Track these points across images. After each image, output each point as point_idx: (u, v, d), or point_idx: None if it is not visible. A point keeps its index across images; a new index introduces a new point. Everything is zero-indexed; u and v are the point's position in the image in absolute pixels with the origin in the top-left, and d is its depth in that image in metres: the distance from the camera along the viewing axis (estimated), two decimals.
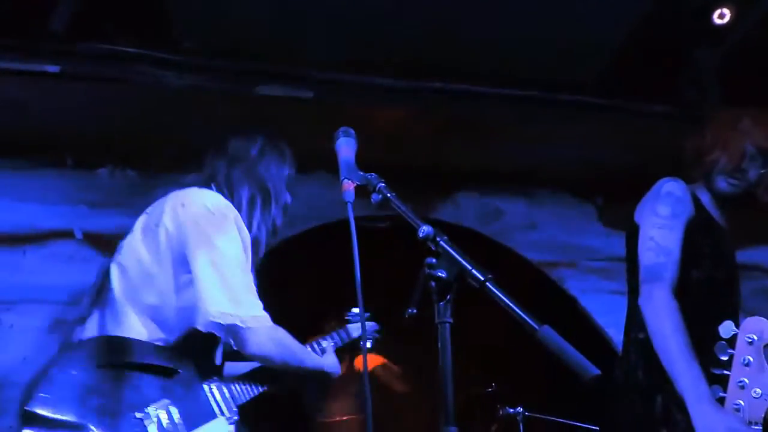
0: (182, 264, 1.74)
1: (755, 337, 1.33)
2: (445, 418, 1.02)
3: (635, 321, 1.81)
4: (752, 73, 3.18)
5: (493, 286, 1.07)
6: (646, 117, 3.46)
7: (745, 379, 1.32)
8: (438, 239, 1.16)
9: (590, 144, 3.50)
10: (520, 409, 3.46)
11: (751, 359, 1.32)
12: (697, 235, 1.79)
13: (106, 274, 1.83)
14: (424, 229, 1.17)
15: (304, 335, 4.05)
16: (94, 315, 1.79)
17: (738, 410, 1.33)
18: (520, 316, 1.01)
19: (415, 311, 1.14)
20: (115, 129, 3.21)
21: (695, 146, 1.92)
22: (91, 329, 1.76)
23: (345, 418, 3.94)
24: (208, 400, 1.71)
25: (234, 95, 3.03)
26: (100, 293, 1.81)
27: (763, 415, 1.33)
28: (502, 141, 3.50)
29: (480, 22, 2.80)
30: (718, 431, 1.42)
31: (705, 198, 1.90)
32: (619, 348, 3.51)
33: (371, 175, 1.32)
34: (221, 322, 1.65)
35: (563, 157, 3.60)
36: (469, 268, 1.10)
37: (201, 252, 1.70)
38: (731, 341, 1.36)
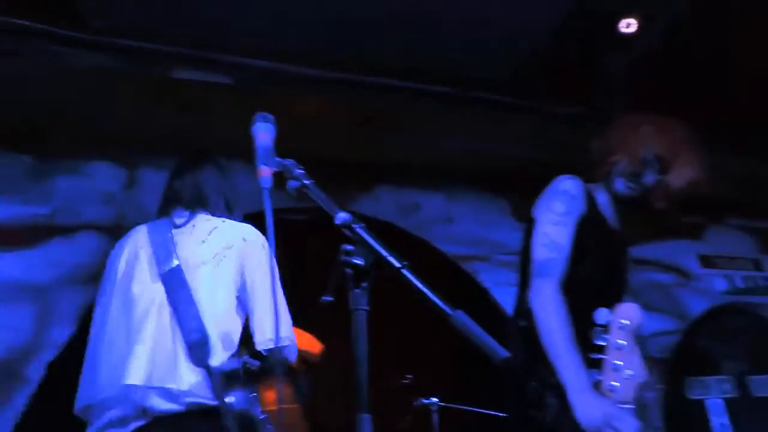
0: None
1: (627, 323, 1.44)
2: (359, 405, 1.02)
3: (519, 309, 1.88)
4: (657, 81, 3.40)
5: (408, 272, 1.08)
6: (557, 118, 3.63)
7: (619, 362, 1.42)
8: (354, 226, 1.16)
9: (504, 141, 3.63)
10: (435, 400, 3.52)
11: (624, 343, 1.42)
12: (586, 232, 1.84)
13: None
14: (341, 216, 1.16)
15: None
16: None
17: (612, 391, 1.43)
18: (434, 301, 1.03)
19: (330, 298, 1.13)
20: (8, 109, 2.98)
21: (599, 148, 1.97)
22: None
23: (285, 406, 3.84)
24: None
25: (145, 78, 2.89)
26: None
27: (632, 394, 1.43)
28: (421, 135, 3.56)
29: (400, 18, 2.82)
30: (596, 417, 1.49)
31: (601, 198, 1.95)
32: None
33: (289, 162, 1.29)
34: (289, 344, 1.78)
35: (479, 153, 3.71)
36: (385, 254, 1.11)
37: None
38: (606, 327, 1.46)
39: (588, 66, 3.43)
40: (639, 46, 3.29)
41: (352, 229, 1.17)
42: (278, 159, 1.30)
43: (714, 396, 4.14)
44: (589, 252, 1.83)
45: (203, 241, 1.78)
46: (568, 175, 1.92)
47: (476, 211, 3.74)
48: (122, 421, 1.58)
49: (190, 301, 1.67)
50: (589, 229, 1.85)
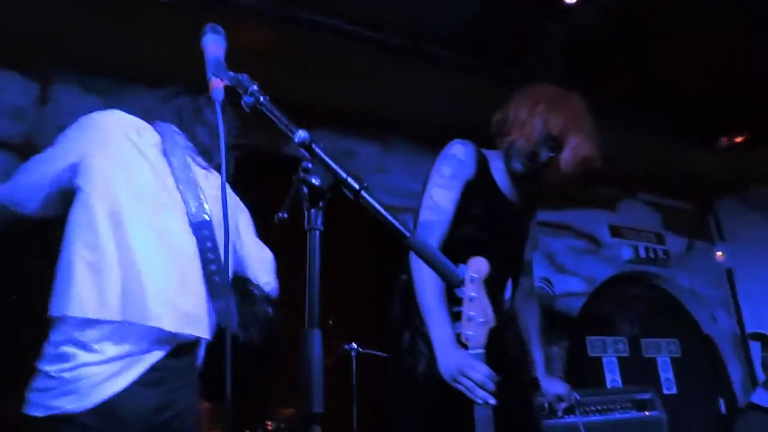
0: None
1: (476, 275, 1.50)
2: (310, 321, 1.01)
3: (404, 264, 1.90)
4: (591, 53, 3.50)
5: (367, 194, 1.07)
6: (496, 79, 3.67)
7: (472, 312, 1.50)
8: (313, 146, 1.12)
9: (444, 97, 3.65)
10: (354, 345, 3.58)
11: (475, 294, 1.50)
12: (472, 196, 1.86)
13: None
14: (300, 135, 1.12)
15: None
16: None
17: (468, 340, 1.50)
18: (392, 223, 1.02)
19: (285, 215, 1.09)
20: None
21: (497, 122, 1.95)
22: None
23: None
24: None
25: None
26: None
27: (485, 339, 1.51)
28: (362, 83, 3.50)
29: None
30: (452, 367, 1.56)
31: (497, 166, 1.95)
32: None
33: (243, 76, 1.22)
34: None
35: (418, 107, 3.71)
36: (345, 176, 1.09)
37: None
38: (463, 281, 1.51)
39: (530, 30, 3.48)
40: (579, 17, 3.37)
41: (310, 149, 1.13)
42: (231, 73, 1.23)
43: (610, 354, 4.49)
44: (472, 217, 1.85)
45: (216, 198, 1.68)
46: (460, 140, 1.93)
47: (411, 164, 3.75)
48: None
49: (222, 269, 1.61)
50: (475, 194, 1.87)
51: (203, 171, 1.73)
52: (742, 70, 3.59)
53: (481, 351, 1.51)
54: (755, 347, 4.31)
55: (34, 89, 3.09)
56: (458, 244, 1.81)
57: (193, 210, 1.62)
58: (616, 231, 4.75)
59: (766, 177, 4.72)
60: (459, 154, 1.88)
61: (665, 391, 4.62)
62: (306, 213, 1.09)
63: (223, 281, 1.59)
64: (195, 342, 1.58)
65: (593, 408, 3.22)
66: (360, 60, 3.36)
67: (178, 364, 1.53)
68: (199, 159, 1.75)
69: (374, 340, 3.62)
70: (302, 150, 1.14)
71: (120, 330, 1.44)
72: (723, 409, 4.82)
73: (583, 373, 4.26)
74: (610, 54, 3.53)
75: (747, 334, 4.77)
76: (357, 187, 1.08)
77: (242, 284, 1.76)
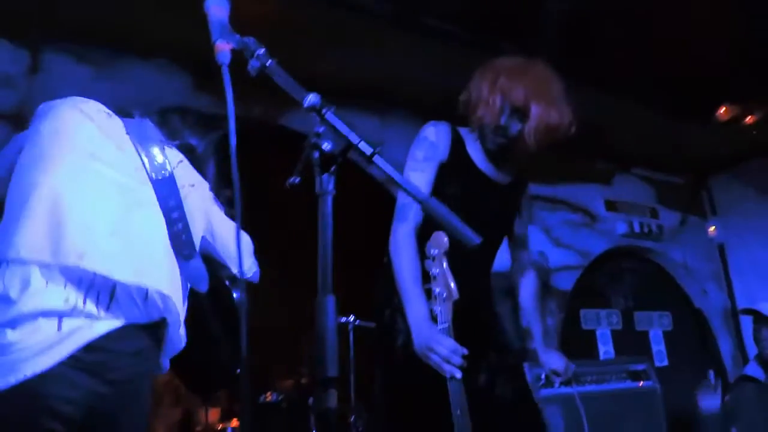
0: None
1: (436, 250, 1.58)
2: (323, 287, 1.01)
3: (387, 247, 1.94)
4: (591, 29, 3.47)
5: (380, 159, 1.05)
6: (495, 53, 3.63)
7: (437, 288, 1.58)
8: (324, 111, 1.11)
9: (444, 71, 3.60)
10: (351, 318, 3.59)
11: (438, 271, 1.56)
12: (447, 176, 1.87)
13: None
14: (310, 99, 1.10)
15: None
16: None
17: (437, 314, 1.57)
18: (407, 189, 1.01)
19: (297, 180, 1.08)
20: None
21: (464, 103, 1.94)
22: None
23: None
24: None
25: None
26: None
27: (450, 314, 1.57)
28: (361, 56, 3.45)
29: None
30: (422, 343, 1.60)
31: (473, 143, 1.94)
32: None
33: (249, 40, 1.20)
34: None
35: (417, 81, 3.67)
36: (357, 141, 1.07)
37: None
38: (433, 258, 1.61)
39: (529, 6, 3.44)
40: None
41: (320, 114, 1.11)
42: (237, 36, 1.20)
43: (603, 327, 4.55)
44: (447, 196, 1.83)
45: (173, 169, 1.58)
46: (434, 122, 1.93)
47: (409, 138, 3.70)
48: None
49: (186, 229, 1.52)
50: (450, 173, 1.87)
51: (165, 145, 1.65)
52: (737, 45, 3.58)
53: (446, 325, 1.55)
54: (746, 321, 4.39)
55: (25, 58, 3.02)
56: (435, 224, 1.81)
57: (154, 164, 1.52)
58: (611, 205, 4.77)
59: (760, 152, 4.74)
60: (430, 136, 1.88)
61: (657, 364, 4.69)
62: (317, 178, 1.08)
63: (188, 241, 1.51)
64: (158, 323, 1.44)
65: (588, 378, 3.27)
66: (358, 31, 3.31)
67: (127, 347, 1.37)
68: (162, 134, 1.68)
69: (371, 313, 3.65)
70: (313, 114, 1.12)
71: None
72: (713, 381, 4.91)
73: (576, 345, 4.31)
74: (607, 29, 3.50)
75: (739, 309, 4.84)
76: (369, 151, 1.06)
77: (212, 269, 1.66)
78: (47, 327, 1.26)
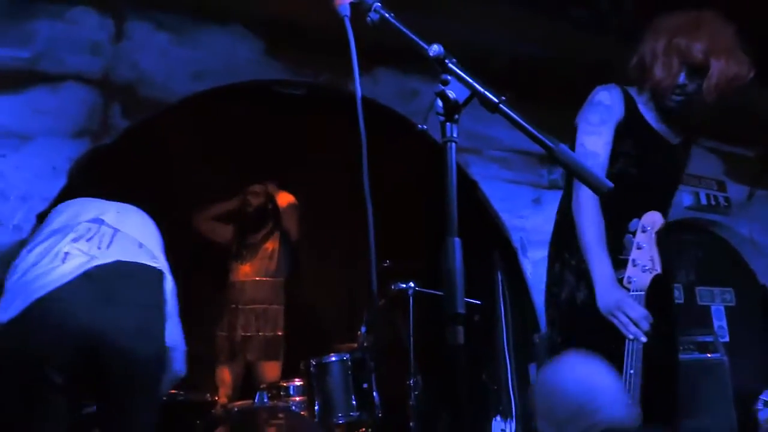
0: None
1: (649, 227, 1.74)
2: (450, 230, 1.05)
3: (560, 206, 2.11)
4: None
5: (507, 108, 1.08)
6: (563, 18, 3.57)
7: (639, 260, 1.72)
8: (447, 62, 1.14)
9: (510, 35, 3.57)
10: (411, 284, 3.64)
11: (645, 245, 1.72)
12: (623, 136, 1.94)
13: None
14: (435, 49, 1.14)
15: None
16: None
17: (630, 282, 1.71)
18: (536, 135, 1.04)
19: (425, 127, 1.13)
20: None
21: (636, 66, 1.96)
22: None
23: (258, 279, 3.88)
24: None
25: None
26: None
27: (647, 284, 1.71)
28: (426, 18, 3.43)
29: None
30: (610, 302, 1.74)
31: (645, 103, 1.98)
32: (510, 231, 3.82)
33: None
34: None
35: (482, 45, 3.64)
36: (482, 90, 1.10)
37: None
38: (634, 233, 1.76)
39: None
40: None
41: (444, 65, 1.15)
42: None
43: None
44: (622, 154, 1.94)
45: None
46: (604, 86, 1.98)
47: (472, 104, 3.70)
48: None
49: None
50: (625, 133, 1.94)
51: None
52: None
53: (641, 293, 1.70)
54: None
55: (109, 25, 3.13)
56: (610, 180, 1.87)
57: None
58: None
59: None
60: (605, 99, 1.94)
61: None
62: (442, 126, 1.12)
63: None
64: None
65: None
66: None
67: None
68: None
69: (430, 280, 3.70)
70: (436, 65, 1.15)
71: None
72: None
73: None
74: None
75: None
76: (496, 100, 1.09)
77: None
78: None
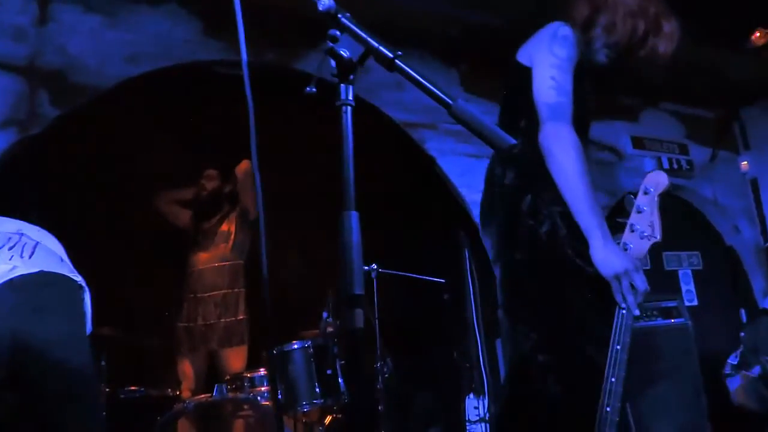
0: None
1: (652, 189, 1.59)
2: (346, 203, 0.95)
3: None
4: None
5: (402, 63, 0.98)
6: None
7: (638, 225, 1.57)
8: (339, 16, 1.03)
9: (460, 5, 3.46)
10: (374, 266, 3.56)
11: (646, 208, 1.58)
12: (578, 80, 1.83)
13: None
14: (325, 2, 1.02)
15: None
16: None
17: (626, 249, 1.57)
18: (432, 91, 0.94)
19: (314, 90, 1.01)
20: None
21: (583, 16, 1.91)
22: None
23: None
24: None
25: None
26: None
27: (645, 252, 1.58)
28: None
29: None
30: (616, 264, 1.56)
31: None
32: (471, 207, 3.73)
33: None
34: None
35: (433, 16, 3.53)
36: (376, 45, 1.00)
37: None
38: (635, 194, 1.62)
39: None
40: None
41: (336, 20, 1.04)
42: None
43: None
44: (581, 99, 1.83)
45: None
46: (560, 22, 1.88)
47: (425, 78, 3.60)
48: None
49: None
50: (580, 76, 1.84)
51: None
52: None
53: (637, 263, 1.56)
54: None
55: (33, 8, 2.95)
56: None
57: None
58: (638, 142, 4.61)
59: None
60: (570, 36, 1.84)
61: (686, 304, 4.61)
62: (338, 88, 1.02)
63: None
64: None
65: None
66: None
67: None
68: None
69: (392, 261, 3.62)
70: (328, 19, 1.04)
71: None
72: (745, 320, 4.83)
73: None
74: None
75: None
76: (391, 55, 0.99)
77: None
78: None
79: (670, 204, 4.89)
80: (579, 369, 1.70)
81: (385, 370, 3.68)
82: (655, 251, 4.65)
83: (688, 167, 4.73)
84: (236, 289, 3.68)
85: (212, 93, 3.60)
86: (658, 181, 1.59)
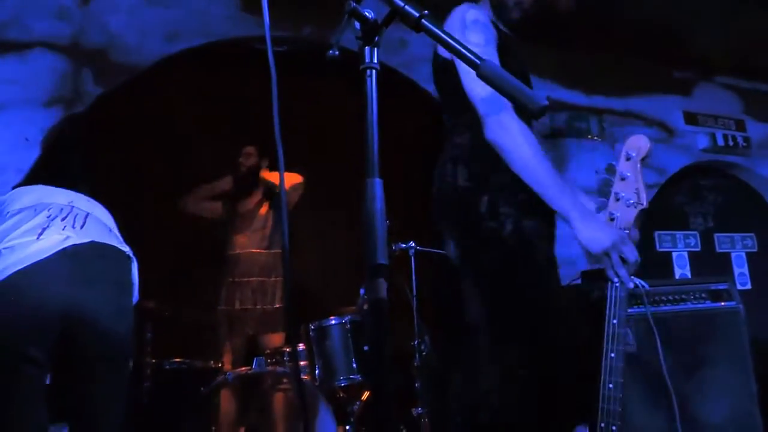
0: None
1: (634, 154, 1.48)
2: (370, 171, 0.92)
3: (455, 132, 1.79)
4: None
5: (428, 22, 0.93)
6: None
7: (622, 192, 1.48)
8: None
9: None
10: (412, 244, 3.53)
11: (629, 174, 1.47)
12: (503, 56, 1.70)
13: None
14: None
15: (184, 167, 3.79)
16: None
17: (613, 219, 1.47)
18: (460, 52, 0.89)
19: (336, 53, 0.98)
20: None
21: None
22: None
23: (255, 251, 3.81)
24: None
25: None
26: None
27: (632, 220, 1.49)
28: None
29: None
30: (604, 242, 1.47)
31: (492, 16, 1.85)
32: None
33: None
34: None
35: None
36: (401, 4, 0.95)
37: None
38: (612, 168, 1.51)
39: None
40: None
41: None
42: None
43: (680, 249, 4.30)
44: (510, 70, 1.71)
45: None
46: (466, 3, 1.77)
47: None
48: None
49: None
50: (504, 52, 1.72)
51: None
52: None
53: (625, 233, 1.47)
54: None
55: None
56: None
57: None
58: (691, 118, 4.39)
59: None
60: (480, 17, 1.73)
61: (739, 287, 4.42)
62: (361, 51, 0.98)
63: None
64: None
65: (664, 298, 3.08)
66: None
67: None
68: None
69: (431, 239, 3.57)
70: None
71: None
72: None
73: (650, 268, 4.10)
74: None
75: None
76: (417, 15, 0.94)
77: None
78: None
79: (724, 183, 4.67)
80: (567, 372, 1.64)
81: (423, 347, 3.67)
82: (706, 233, 4.47)
83: (744, 144, 4.48)
84: (273, 278, 3.70)
85: (252, 69, 3.61)
86: (639, 145, 1.48)
